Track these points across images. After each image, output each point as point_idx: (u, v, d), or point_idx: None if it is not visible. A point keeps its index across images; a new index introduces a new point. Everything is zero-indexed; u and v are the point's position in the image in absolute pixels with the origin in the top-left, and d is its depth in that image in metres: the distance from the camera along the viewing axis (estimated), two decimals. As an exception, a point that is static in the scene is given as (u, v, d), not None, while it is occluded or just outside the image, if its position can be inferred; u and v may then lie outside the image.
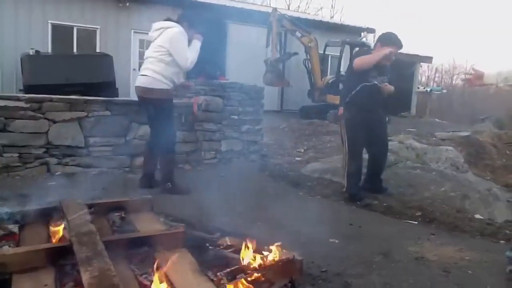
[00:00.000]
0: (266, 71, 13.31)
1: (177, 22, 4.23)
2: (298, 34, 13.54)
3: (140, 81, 4.19)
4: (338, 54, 14.24)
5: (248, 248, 2.38)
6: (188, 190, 4.28)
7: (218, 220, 3.54)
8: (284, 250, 2.45)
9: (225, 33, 14.55)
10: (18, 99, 4.51)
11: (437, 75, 38.87)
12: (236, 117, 5.70)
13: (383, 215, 4.19)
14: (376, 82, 4.45)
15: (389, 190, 4.60)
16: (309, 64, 13.86)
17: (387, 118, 4.54)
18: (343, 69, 14.25)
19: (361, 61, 4.46)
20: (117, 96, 11.74)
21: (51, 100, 4.65)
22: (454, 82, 40.01)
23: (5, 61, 11.77)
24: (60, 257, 2.19)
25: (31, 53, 10.88)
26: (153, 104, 4.20)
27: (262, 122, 6.06)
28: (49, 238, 2.54)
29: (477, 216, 4.16)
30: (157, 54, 4.12)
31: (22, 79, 10.99)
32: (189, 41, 4.20)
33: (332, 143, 6.99)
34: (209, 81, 5.63)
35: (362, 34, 17.39)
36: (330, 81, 13.77)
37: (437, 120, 18.50)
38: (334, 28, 16.42)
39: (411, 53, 18.29)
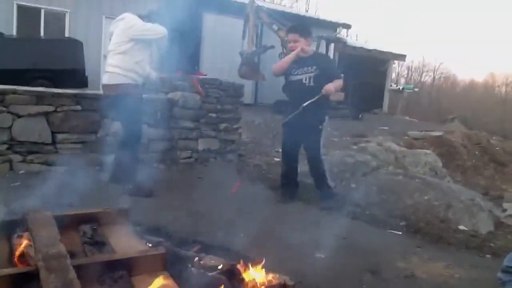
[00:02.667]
0: (241, 64, 13.04)
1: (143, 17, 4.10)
2: (275, 27, 13.29)
3: (104, 79, 4.04)
4: (313, 49, 14.13)
5: (235, 272, 2.18)
6: (150, 192, 4.02)
7: (196, 230, 3.34)
8: (274, 274, 2.25)
9: (200, 23, 14.19)
10: (-23, 90, 4.14)
11: (406, 72, 39.54)
12: (214, 115, 5.46)
13: (367, 224, 4.07)
14: (298, 78, 4.26)
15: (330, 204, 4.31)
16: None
17: (322, 123, 4.34)
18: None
19: (275, 68, 4.47)
20: (87, 85, 11.27)
21: (15, 92, 4.29)
22: (423, 79, 40.86)
23: (-36, 42, 11.05)
24: (23, 284, 1.93)
25: (-6, 35, 10.27)
26: (117, 101, 3.95)
27: (241, 121, 5.83)
28: (10, 257, 2.26)
29: (461, 227, 4.09)
30: (113, 47, 3.98)
31: (-17, 63, 10.37)
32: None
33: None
34: (187, 76, 5.34)
35: (338, 29, 17.32)
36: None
37: (407, 118, 18.70)
38: (309, 22, 16.24)
39: (384, 50, 18.39)
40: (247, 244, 3.16)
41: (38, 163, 4.44)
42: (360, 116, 14.19)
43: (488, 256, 3.62)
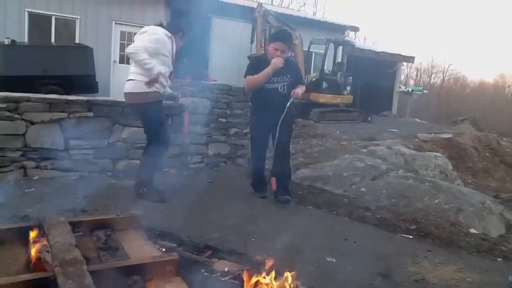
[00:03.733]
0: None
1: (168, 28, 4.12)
2: (282, 31, 13.37)
3: (125, 87, 4.01)
4: (322, 51, 14.15)
5: (248, 277, 2.21)
6: (163, 198, 4.03)
7: (208, 234, 3.37)
8: (285, 279, 2.28)
9: (208, 27, 14.28)
10: (-7, 98, 4.22)
11: (415, 73, 39.37)
12: (223, 120, 5.50)
13: (377, 228, 4.08)
14: (274, 87, 4.33)
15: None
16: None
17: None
18: (327, 67, 14.19)
19: (250, 84, 4.43)
20: (97, 90, 11.37)
21: (29, 99, 4.36)
22: (432, 81, 40.65)
23: (-22, 50, 11.21)
24: (41, 289, 1.98)
25: (6, 42, 10.42)
26: (140, 109, 4.01)
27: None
28: (28, 262, 2.31)
29: (472, 230, 4.08)
30: (143, 55, 3.88)
31: (-4, 70, 10.52)
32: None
33: (320, 147, 6.85)
34: (197, 81, 5.40)
35: (346, 32, 17.31)
36: (313, 79, 13.66)
37: (417, 120, 18.60)
38: (318, 26, 16.27)
39: (393, 52, 18.33)
40: (257, 247, 3.20)
41: (52, 169, 4.51)
42: (369, 118, 14.15)
43: (499, 259, 3.62)
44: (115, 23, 13.07)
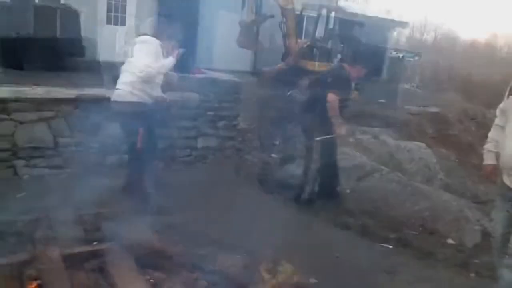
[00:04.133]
0: (240, 34, 12.86)
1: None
2: (275, -5, 13.04)
3: (114, 95, 4.05)
4: (314, 15, 13.93)
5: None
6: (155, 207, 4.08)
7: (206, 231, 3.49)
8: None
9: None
10: (-21, 100, 4.18)
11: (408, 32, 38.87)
12: (212, 113, 5.52)
13: (359, 235, 4.24)
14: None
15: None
16: (285, 27, 13.48)
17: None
18: (318, 34, 14.00)
19: None
20: (84, 54, 11.12)
21: (16, 100, 4.33)
22: (423, 38, 40.30)
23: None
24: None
25: (-5, 4, 10.02)
26: (126, 117, 4.04)
27: (239, 118, 5.90)
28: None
29: (449, 241, 4.27)
30: (130, 68, 3.98)
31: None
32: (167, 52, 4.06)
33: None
34: (185, 75, 5.34)
35: (339, -5, 16.95)
36: (305, 45, 13.50)
37: (406, 86, 18.61)
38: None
39: (386, 17, 18.07)
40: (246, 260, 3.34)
41: (41, 167, 4.54)
42: (359, 87, 14.14)
43: (471, 275, 3.82)
44: (101, -17, 12.58)
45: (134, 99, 3.95)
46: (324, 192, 4.71)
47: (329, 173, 4.65)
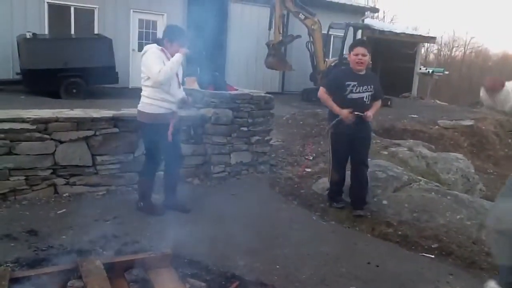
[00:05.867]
0: (268, 55, 13.05)
1: (161, 39, 4.20)
2: (301, 16, 13.22)
3: (138, 106, 4.25)
4: (341, 34, 13.99)
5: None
6: (161, 211, 4.30)
7: (234, 261, 3.47)
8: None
9: (226, 14, 14.17)
10: (23, 120, 4.33)
11: (436, 47, 38.47)
12: (245, 128, 5.56)
13: (399, 246, 4.13)
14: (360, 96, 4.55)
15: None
16: (312, 46, 13.60)
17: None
18: (346, 52, 14.01)
19: (322, 99, 4.69)
20: (117, 81, 11.49)
21: (57, 120, 4.47)
22: (453, 54, 39.75)
23: (0, 44, 11.38)
24: None
25: (27, 36, 10.53)
26: (146, 128, 4.22)
27: (272, 133, 5.92)
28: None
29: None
30: (142, 80, 4.15)
31: (19, 63, 10.70)
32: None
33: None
34: (219, 92, 5.44)
35: (366, 13, 17.00)
36: (332, 64, 13.53)
37: (437, 101, 18.35)
38: (336, 8, 15.98)
39: (414, 33, 18.00)
40: (283, 275, 3.31)
41: (80, 185, 4.65)
42: (389, 103, 14.00)
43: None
44: (133, 11, 13.06)
45: (153, 110, 4.09)
46: (355, 201, 4.72)
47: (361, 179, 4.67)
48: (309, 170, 5.91)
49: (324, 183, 5.25)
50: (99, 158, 4.72)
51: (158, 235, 3.74)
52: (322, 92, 4.66)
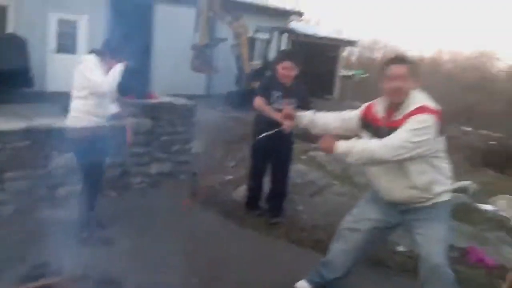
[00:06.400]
0: (194, 57, 12.97)
1: (100, 52, 4.03)
2: (228, 19, 13.26)
3: (67, 121, 4.01)
4: (266, 37, 14.26)
5: None
6: (106, 240, 4.05)
7: (150, 276, 3.47)
8: None
9: (150, 17, 13.92)
10: None
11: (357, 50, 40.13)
12: (165, 137, 5.53)
13: (313, 251, 4.31)
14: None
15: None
16: (237, 50, 13.71)
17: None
18: (271, 56, 14.31)
19: (258, 107, 4.59)
20: (33, 84, 10.84)
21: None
22: (374, 56, 41.70)
23: None
24: None
25: None
26: (79, 144, 3.99)
27: (193, 141, 5.94)
28: None
29: (400, 248, 4.43)
30: (75, 91, 3.94)
31: None
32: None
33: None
34: (139, 101, 5.36)
35: (290, 17, 17.38)
36: (257, 67, 13.77)
37: (357, 103, 19.19)
38: (262, 11, 16.18)
39: (336, 37, 18.70)
40: None
41: (-14, 203, 4.41)
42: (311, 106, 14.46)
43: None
44: (51, 9, 12.42)
45: (84, 123, 3.92)
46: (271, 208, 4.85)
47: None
48: (230, 177, 6.00)
49: (244, 190, 5.35)
50: (7, 174, 4.48)
51: (69, 256, 3.62)
52: (259, 101, 4.54)
